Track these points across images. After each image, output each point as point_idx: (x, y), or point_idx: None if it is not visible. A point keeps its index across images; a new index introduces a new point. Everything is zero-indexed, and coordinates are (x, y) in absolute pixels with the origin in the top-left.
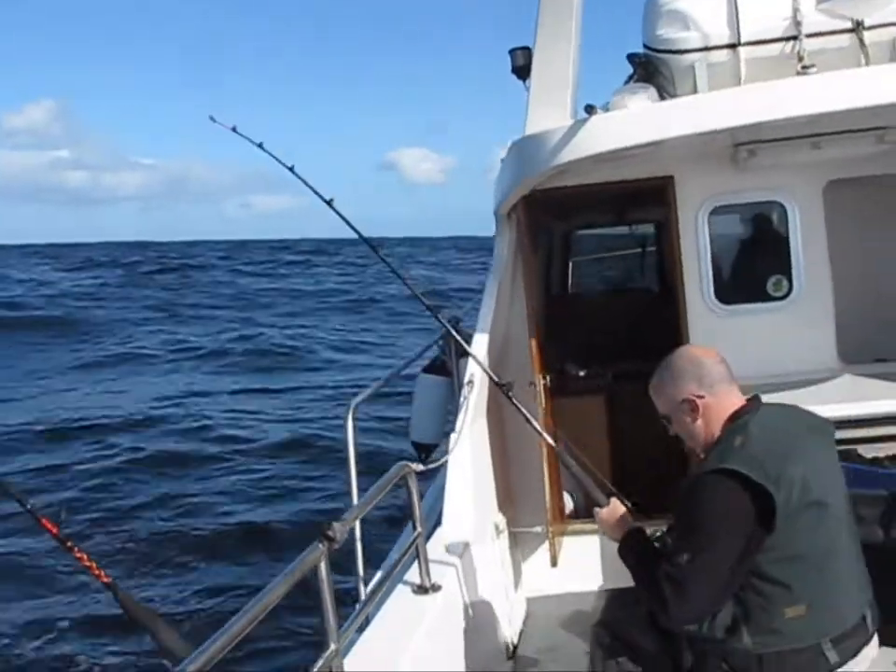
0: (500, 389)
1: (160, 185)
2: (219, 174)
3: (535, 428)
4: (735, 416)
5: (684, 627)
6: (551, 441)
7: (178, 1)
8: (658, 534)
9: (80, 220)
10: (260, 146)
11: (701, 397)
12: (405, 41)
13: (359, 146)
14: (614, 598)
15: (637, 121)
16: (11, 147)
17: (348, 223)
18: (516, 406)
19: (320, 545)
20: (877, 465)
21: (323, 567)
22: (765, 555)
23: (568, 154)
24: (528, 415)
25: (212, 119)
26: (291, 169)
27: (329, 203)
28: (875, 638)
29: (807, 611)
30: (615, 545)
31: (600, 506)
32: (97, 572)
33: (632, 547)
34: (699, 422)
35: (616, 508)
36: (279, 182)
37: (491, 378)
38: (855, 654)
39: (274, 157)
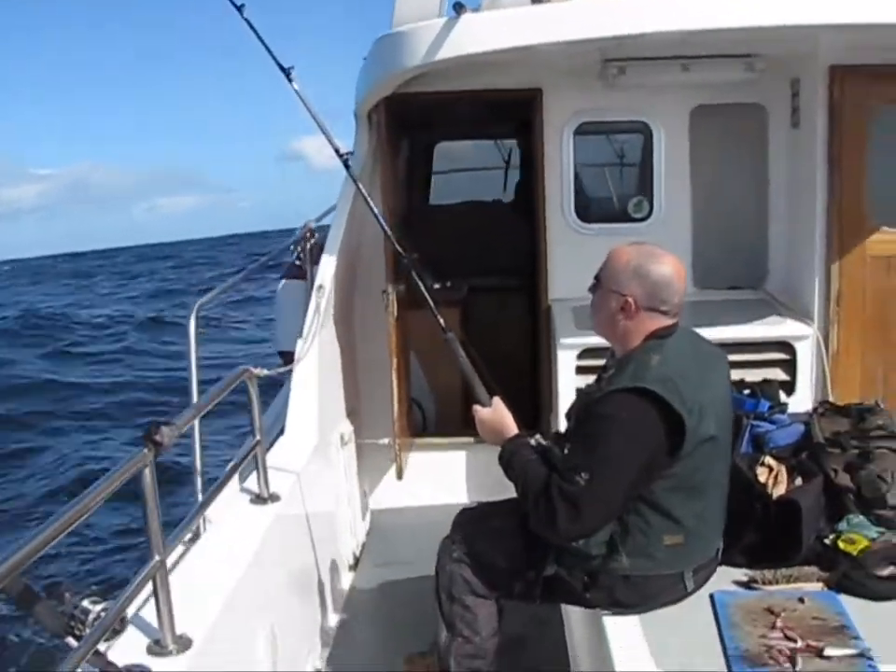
0: (401, 257)
1: (61, 193)
2: (121, 177)
3: (432, 310)
4: (654, 335)
5: (559, 541)
6: (442, 322)
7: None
8: (533, 443)
9: None
10: None
11: (638, 309)
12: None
13: (260, 138)
14: (464, 513)
15: (507, 24)
16: None
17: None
18: (418, 281)
19: (145, 449)
20: None
21: (147, 472)
22: (661, 483)
23: (434, 54)
24: (427, 295)
25: None
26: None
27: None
28: None
29: (684, 541)
30: (462, 460)
31: (482, 404)
32: None
33: (517, 453)
34: (622, 324)
35: (499, 409)
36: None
37: (395, 247)
38: (705, 582)
39: None
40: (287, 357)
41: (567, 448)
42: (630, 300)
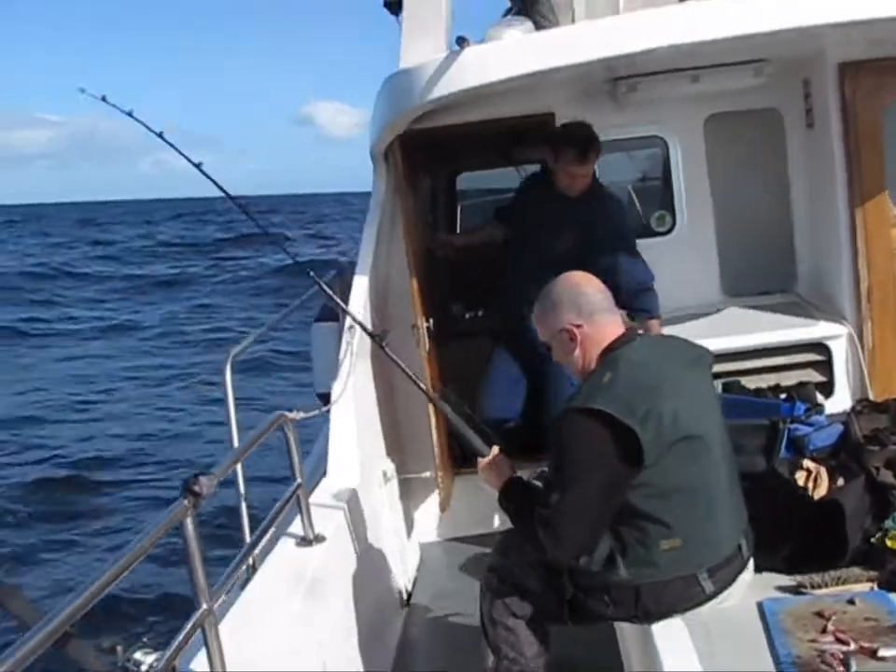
0: (373, 339)
1: (68, 142)
2: (129, 129)
3: (409, 377)
4: (609, 349)
5: (565, 563)
6: (424, 388)
7: None
8: (539, 471)
9: None
10: (130, 114)
11: (579, 326)
12: None
13: (272, 100)
14: (501, 542)
15: (510, 53)
16: None
17: (217, 185)
18: (388, 355)
19: (185, 501)
20: (761, 395)
21: (189, 523)
22: (637, 491)
23: (441, 89)
24: (401, 364)
25: (81, 90)
26: (160, 135)
27: (197, 166)
28: (751, 563)
29: (682, 544)
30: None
31: (481, 455)
32: None
33: (509, 495)
34: (577, 351)
35: (496, 458)
36: (193, 140)
37: (363, 328)
38: (731, 583)
39: (143, 124)
40: (326, 400)
41: None
42: (567, 326)
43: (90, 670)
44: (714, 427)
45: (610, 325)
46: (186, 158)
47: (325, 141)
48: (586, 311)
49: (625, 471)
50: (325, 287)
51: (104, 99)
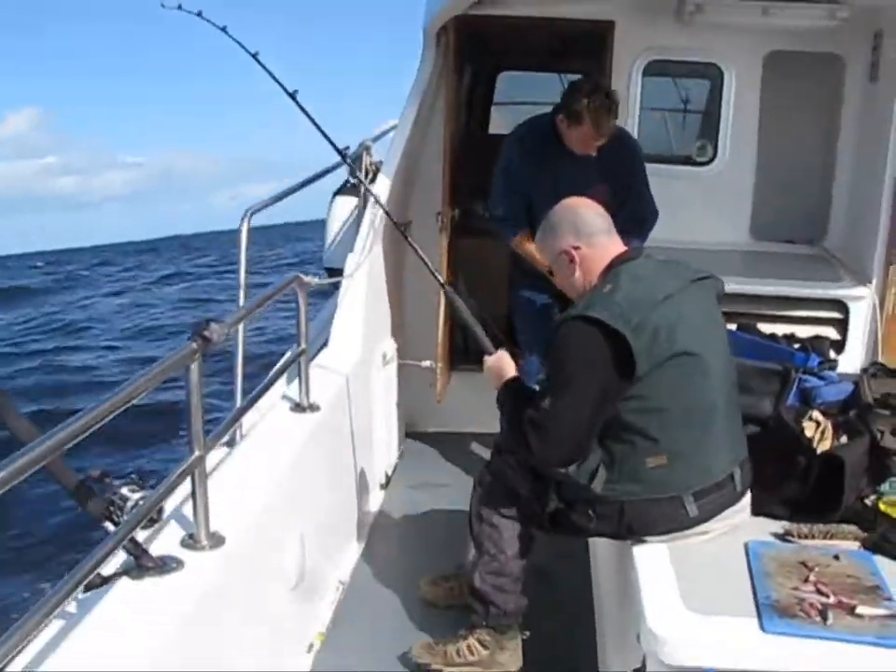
0: (398, 228)
1: (148, 182)
2: (206, 165)
3: (429, 269)
4: (611, 265)
5: (553, 471)
6: (441, 279)
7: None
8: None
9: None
10: (224, 29)
11: (577, 248)
12: None
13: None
14: (498, 441)
15: None
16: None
17: (306, 113)
18: (412, 246)
19: (193, 344)
20: (774, 340)
21: (195, 367)
22: (629, 403)
23: None
24: (423, 256)
25: (179, 7)
26: (255, 56)
27: (292, 95)
28: (746, 502)
29: (669, 462)
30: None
31: (488, 353)
32: None
33: (507, 394)
34: (577, 273)
35: (502, 357)
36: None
37: (389, 218)
38: (718, 512)
39: (237, 41)
40: (335, 275)
41: None
42: (566, 248)
43: (72, 492)
44: (715, 350)
45: (610, 245)
46: (278, 82)
47: None
48: (584, 232)
49: (617, 381)
50: (358, 173)
51: (199, 14)
